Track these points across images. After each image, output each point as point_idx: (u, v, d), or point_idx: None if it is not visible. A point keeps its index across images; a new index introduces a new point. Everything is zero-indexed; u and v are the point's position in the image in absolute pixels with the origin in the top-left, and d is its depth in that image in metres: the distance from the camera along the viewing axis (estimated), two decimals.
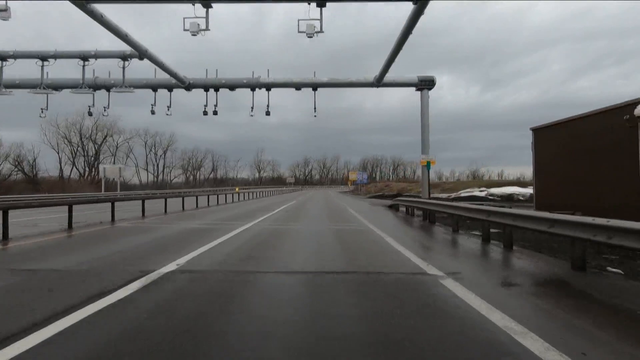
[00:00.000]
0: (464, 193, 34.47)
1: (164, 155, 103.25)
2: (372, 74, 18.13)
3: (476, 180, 49.78)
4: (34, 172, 66.49)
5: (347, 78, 19.64)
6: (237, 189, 32.95)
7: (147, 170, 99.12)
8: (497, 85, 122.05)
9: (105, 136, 78.82)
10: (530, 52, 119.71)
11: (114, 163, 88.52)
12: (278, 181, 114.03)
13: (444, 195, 34.37)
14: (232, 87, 19.65)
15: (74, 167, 74.69)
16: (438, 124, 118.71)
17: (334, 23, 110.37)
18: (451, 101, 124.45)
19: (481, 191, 33.39)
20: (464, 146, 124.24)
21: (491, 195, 31.89)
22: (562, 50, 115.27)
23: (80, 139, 71.56)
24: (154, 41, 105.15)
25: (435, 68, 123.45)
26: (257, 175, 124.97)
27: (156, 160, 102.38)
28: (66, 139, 70.29)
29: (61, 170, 73.28)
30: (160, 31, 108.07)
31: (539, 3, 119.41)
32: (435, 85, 18.43)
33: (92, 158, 72.49)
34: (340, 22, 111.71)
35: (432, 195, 35.86)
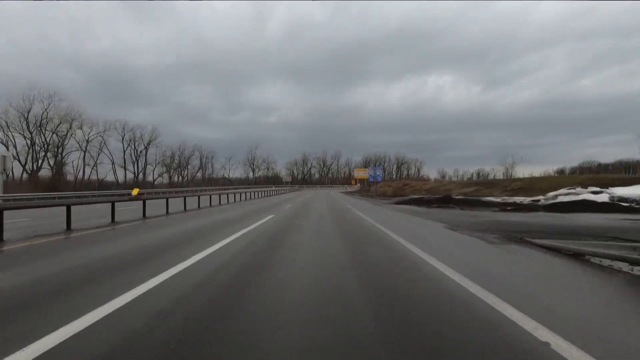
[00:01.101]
0: (562, 196, 20.17)
1: (146, 152, 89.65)
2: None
3: (561, 176, 35.60)
4: None
5: None
6: (135, 191, 19.12)
7: (124, 167, 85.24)
8: (499, 84, 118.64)
9: (70, 127, 64.87)
10: (533, 50, 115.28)
11: (84, 160, 75.15)
12: (274, 180, 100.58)
13: (527, 200, 20.24)
14: None
15: (26, 165, 60.47)
16: (438, 124, 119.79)
17: (335, 22, 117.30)
18: (453, 100, 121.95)
19: (595, 192, 19.15)
20: (466, 145, 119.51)
21: (622, 199, 17.62)
22: (565, 49, 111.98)
23: (29, 129, 57.28)
24: (153, 41, 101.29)
25: (437, 67, 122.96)
26: (251, 174, 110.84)
27: (135, 157, 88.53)
28: (9, 129, 56.04)
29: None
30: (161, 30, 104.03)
31: (542, 2, 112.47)
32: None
33: (44, 153, 58.12)
34: (341, 21, 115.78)
35: (502, 200, 21.71)
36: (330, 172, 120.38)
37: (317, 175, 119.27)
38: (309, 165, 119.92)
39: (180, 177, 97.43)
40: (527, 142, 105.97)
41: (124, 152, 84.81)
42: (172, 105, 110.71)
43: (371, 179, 39.19)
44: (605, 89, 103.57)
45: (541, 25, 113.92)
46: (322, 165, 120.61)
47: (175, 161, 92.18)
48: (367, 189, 57.85)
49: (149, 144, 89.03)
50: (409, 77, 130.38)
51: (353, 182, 79.77)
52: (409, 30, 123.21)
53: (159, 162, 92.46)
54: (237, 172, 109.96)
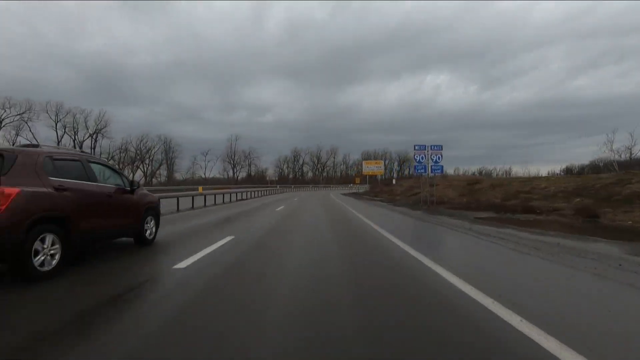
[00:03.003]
0: None
1: (93, 143, 67.64)
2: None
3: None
4: None
5: None
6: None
7: None
8: (496, 84, 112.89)
9: None
10: (530, 50, 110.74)
11: None
12: (258, 180, 79.46)
13: None
14: None
15: None
16: (437, 123, 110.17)
17: (334, 21, 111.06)
18: (450, 100, 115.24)
19: None
20: (464, 145, 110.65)
21: None
22: (562, 48, 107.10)
23: None
24: (149, 39, 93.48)
25: (435, 66, 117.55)
26: (231, 172, 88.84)
27: (77, 150, 65.95)
28: None
29: None
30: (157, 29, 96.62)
31: (540, 2, 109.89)
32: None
33: None
34: (341, 20, 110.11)
35: None
36: (326, 170, 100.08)
37: (310, 174, 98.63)
38: (300, 162, 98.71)
39: (144, 175, 75.76)
40: (526, 141, 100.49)
41: (59, 142, 62.94)
42: (167, 105, 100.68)
43: (419, 171, 17.68)
44: (602, 89, 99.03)
45: (539, 25, 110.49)
46: (316, 162, 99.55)
47: (129, 155, 70.45)
48: (384, 190, 36.83)
49: (96, 133, 67.28)
50: (407, 76, 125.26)
51: (357, 179, 58.85)
52: (407, 29, 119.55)
53: (111, 157, 70.59)
54: (214, 170, 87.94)
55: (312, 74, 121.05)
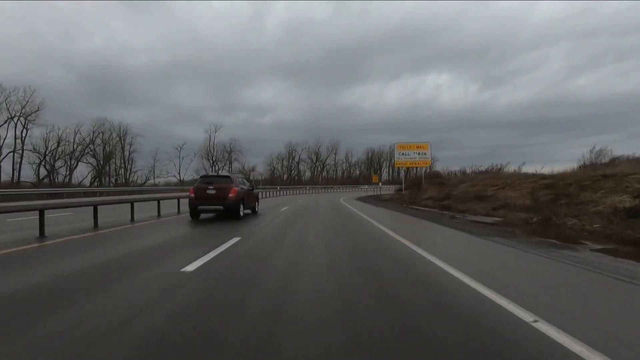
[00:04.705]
0: None
1: (25, 134, 48.44)
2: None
3: None
4: None
5: None
6: None
7: None
8: (496, 83, 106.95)
9: None
10: (531, 49, 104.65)
11: None
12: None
13: None
14: None
15: None
16: (437, 123, 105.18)
17: (335, 21, 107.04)
18: (450, 100, 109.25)
19: None
20: (463, 145, 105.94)
21: None
22: (562, 48, 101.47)
23: None
24: (148, 39, 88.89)
25: (436, 66, 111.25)
26: (210, 170, 69.98)
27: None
28: None
29: None
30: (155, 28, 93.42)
31: (541, 2, 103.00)
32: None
33: None
34: (341, 20, 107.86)
35: None
36: (326, 169, 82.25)
37: (308, 173, 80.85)
38: (296, 159, 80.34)
39: (98, 175, 56.87)
40: (526, 141, 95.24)
41: None
42: (164, 106, 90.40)
43: None
44: (603, 88, 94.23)
45: (539, 25, 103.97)
46: (314, 160, 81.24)
47: (68, 148, 51.60)
48: (453, 195, 18.19)
49: (23, 118, 47.93)
50: (408, 76, 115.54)
51: (374, 178, 40.71)
52: (408, 29, 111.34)
53: (45, 154, 51.66)
54: (190, 170, 69.02)
55: (312, 74, 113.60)
